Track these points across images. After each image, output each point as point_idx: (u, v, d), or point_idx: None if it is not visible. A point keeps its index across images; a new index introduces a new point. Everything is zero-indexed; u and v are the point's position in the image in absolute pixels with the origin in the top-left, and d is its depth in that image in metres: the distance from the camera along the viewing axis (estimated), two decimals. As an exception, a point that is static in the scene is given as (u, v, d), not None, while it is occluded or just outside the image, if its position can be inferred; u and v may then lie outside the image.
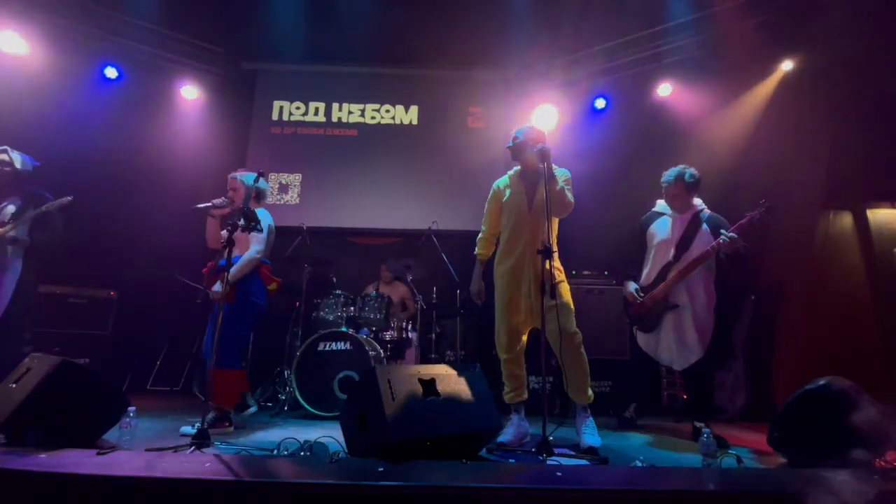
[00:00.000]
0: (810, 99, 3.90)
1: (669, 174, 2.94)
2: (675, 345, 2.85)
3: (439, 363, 4.20)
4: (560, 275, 2.58)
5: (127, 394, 3.39)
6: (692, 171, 2.91)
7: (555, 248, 2.55)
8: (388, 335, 3.83)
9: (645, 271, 3.04)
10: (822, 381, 2.04)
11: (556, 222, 2.64)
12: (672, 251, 2.91)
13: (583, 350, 2.49)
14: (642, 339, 3.06)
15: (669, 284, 2.88)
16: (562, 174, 2.55)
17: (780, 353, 3.76)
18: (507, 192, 2.68)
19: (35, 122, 4.14)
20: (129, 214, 4.74)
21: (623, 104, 4.97)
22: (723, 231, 2.74)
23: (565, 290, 2.55)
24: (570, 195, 2.50)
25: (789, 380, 3.56)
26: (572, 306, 2.54)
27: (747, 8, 4.07)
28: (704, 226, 2.89)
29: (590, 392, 2.51)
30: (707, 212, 2.97)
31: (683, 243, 2.89)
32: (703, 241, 2.85)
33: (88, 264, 4.28)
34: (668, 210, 3.01)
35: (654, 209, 3.11)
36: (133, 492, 1.50)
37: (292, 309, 4.05)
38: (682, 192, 2.90)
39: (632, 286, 3.05)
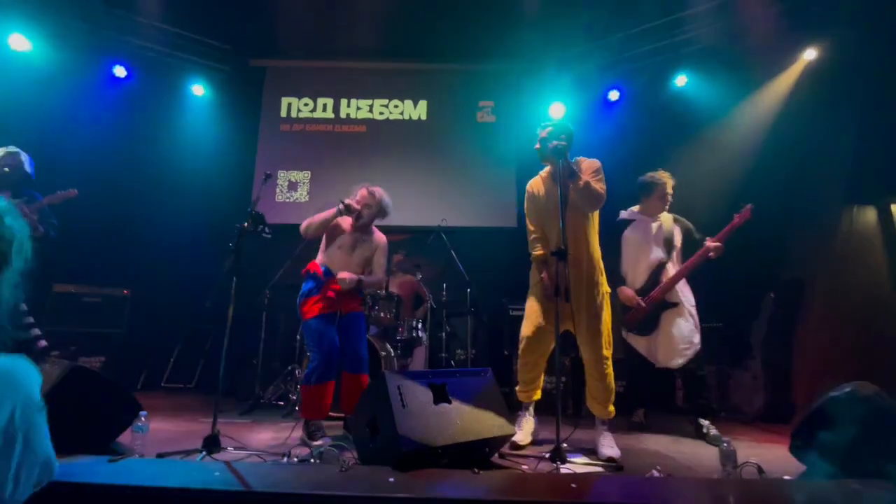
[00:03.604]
0: (834, 89, 3.75)
1: (656, 182, 3.05)
2: (673, 342, 2.91)
3: (450, 362, 4.21)
4: (601, 285, 2.50)
5: (141, 391, 3.37)
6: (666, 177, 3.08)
7: (596, 254, 2.52)
8: (398, 334, 3.80)
9: (629, 276, 3.07)
10: (847, 388, 1.96)
11: (594, 224, 2.56)
12: (660, 251, 3.00)
13: (608, 366, 2.43)
14: (641, 342, 3.07)
15: (671, 283, 2.94)
16: (589, 166, 2.47)
17: (800, 352, 3.65)
18: (538, 193, 2.63)
19: (45, 122, 4.17)
20: (140, 212, 4.77)
21: (638, 96, 4.84)
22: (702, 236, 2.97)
23: (605, 303, 2.48)
24: (597, 186, 2.40)
25: (810, 381, 3.46)
26: (605, 319, 2.46)
27: (769, -6, 3.91)
28: (675, 225, 3.07)
29: (611, 408, 2.46)
30: (667, 212, 3.11)
31: (668, 243, 3.02)
32: (683, 239, 3.05)
33: (101, 263, 4.31)
34: (638, 215, 3.12)
35: (621, 217, 3.18)
36: (143, 502, 1.50)
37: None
38: (661, 198, 3.05)
39: (630, 291, 3.04)
